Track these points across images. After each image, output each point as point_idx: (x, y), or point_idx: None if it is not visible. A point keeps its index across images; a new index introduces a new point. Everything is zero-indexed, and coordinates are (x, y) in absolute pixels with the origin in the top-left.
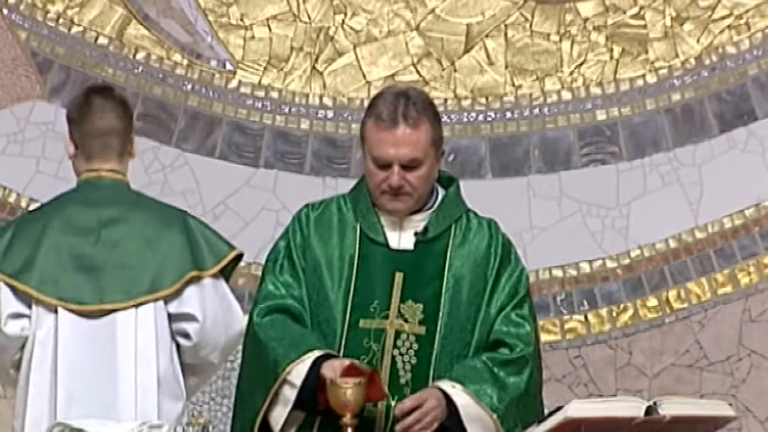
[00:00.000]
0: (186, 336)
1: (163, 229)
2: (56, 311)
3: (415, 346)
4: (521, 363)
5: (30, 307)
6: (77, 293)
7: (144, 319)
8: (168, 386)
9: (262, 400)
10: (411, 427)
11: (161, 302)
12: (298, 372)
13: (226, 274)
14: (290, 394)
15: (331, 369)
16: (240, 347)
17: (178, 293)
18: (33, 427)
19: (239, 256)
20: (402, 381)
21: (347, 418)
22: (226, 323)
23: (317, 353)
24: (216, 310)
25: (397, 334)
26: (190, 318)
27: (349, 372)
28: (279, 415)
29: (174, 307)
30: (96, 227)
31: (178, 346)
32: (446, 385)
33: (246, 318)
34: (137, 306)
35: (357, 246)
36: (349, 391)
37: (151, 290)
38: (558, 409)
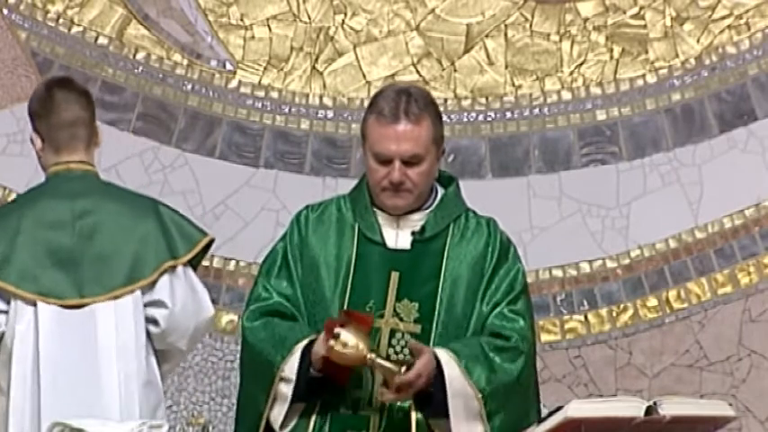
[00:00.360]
0: (155, 322)
1: (137, 218)
2: (35, 306)
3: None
4: (515, 352)
5: (8, 303)
6: (57, 288)
7: (123, 309)
8: (146, 374)
9: (263, 401)
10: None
11: (138, 292)
12: (290, 366)
13: (197, 259)
14: (286, 390)
15: (320, 346)
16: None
17: (154, 283)
18: (17, 421)
19: (211, 242)
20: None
21: (369, 358)
22: (195, 311)
23: (303, 342)
24: (185, 297)
25: (392, 333)
26: (160, 304)
27: (329, 336)
28: (278, 412)
29: (148, 295)
30: (70, 219)
31: (148, 332)
32: (442, 354)
33: (211, 306)
34: (116, 298)
35: (355, 245)
36: (344, 347)
37: (129, 281)
38: (558, 409)
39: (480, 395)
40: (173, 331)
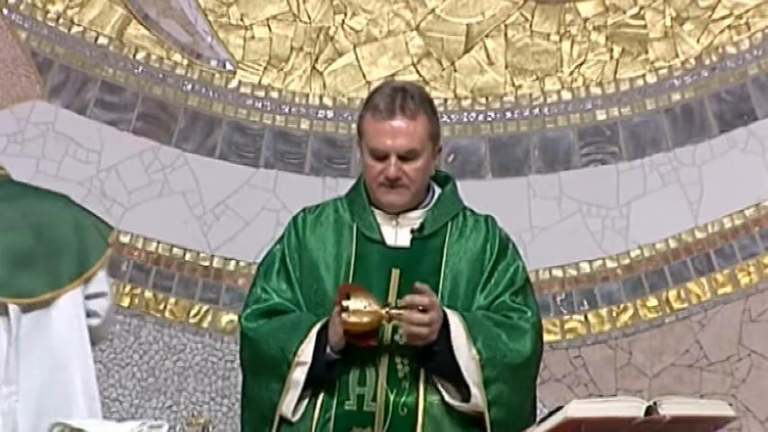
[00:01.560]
0: (96, 314)
1: (73, 214)
2: (5, 308)
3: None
4: (519, 331)
5: None
6: (28, 287)
7: (75, 302)
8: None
9: (278, 389)
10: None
11: (82, 284)
12: (307, 351)
13: None
14: (299, 376)
15: (335, 324)
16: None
17: (95, 274)
18: None
19: None
20: (400, 374)
21: (386, 313)
22: (113, 297)
23: (317, 326)
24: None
25: (395, 329)
26: (101, 295)
27: (340, 312)
28: (290, 399)
29: (89, 288)
30: (22, 220)
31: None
32: (447, 310)
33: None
34: (69, 291)
35: (354, 245)
36: (357, 314)
37: (80, 272)
38: (558, 409)
39: (479, 356)
40: (109, 321)
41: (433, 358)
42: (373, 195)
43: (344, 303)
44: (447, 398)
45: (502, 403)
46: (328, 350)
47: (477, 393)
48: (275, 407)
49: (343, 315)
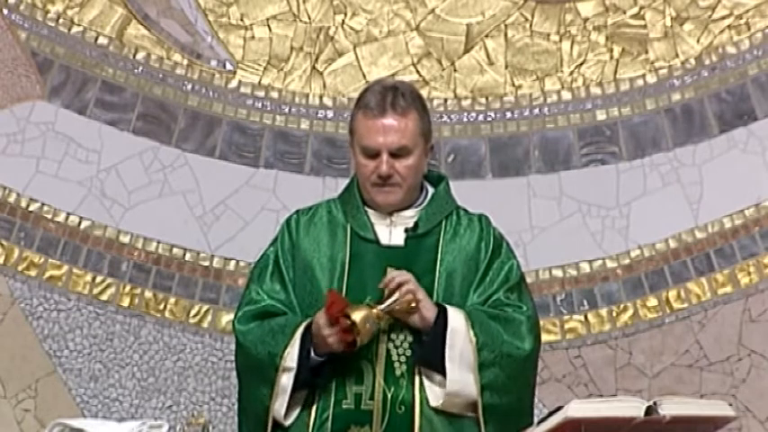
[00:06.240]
0: None
1: None
2: None
3: (410, 338)
4: (516, 323)
5: None
6: None
7: None
8: None
9: (268, 394)
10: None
11: None
12: (291, 355)
13: None
14: (286, 381)
15: (332, 340)
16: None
17: None
18: None
19: None
20: (398, 372)
21: (379, 313)
22: None
23: (301, 329)
24: None
25: (391, 328)
26: None
27: (348, 336)
28: (280, 404)
29: None
30: None
31: None
32: (447, 305)
33: None
34: None
35: (348, 245)
36: (363, 327)
37: None
38: (558, 409)
39: (476, 339)
40: None
41: (423, 346)
42: (367, 195)
43: (350, 322)
44: (432, 402)
45: (496, 388)
46: (312, 354)
47: (471, 378)
48: (267, 411)
49: (357, 339)
